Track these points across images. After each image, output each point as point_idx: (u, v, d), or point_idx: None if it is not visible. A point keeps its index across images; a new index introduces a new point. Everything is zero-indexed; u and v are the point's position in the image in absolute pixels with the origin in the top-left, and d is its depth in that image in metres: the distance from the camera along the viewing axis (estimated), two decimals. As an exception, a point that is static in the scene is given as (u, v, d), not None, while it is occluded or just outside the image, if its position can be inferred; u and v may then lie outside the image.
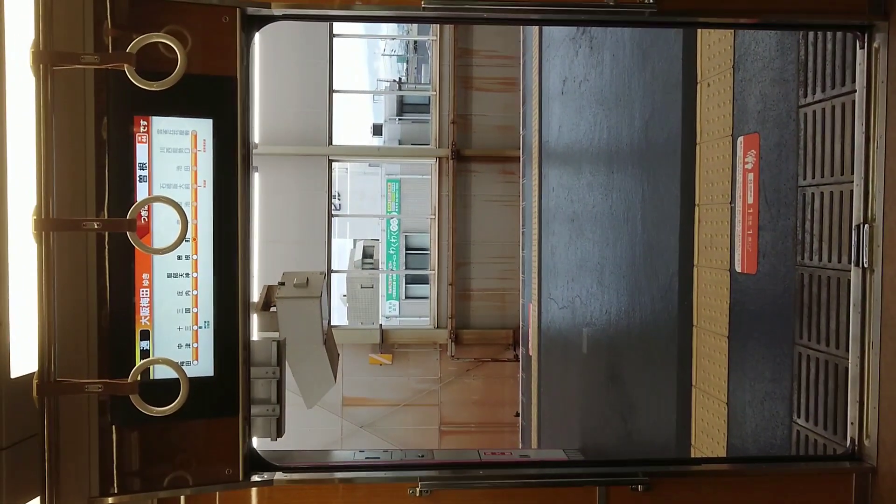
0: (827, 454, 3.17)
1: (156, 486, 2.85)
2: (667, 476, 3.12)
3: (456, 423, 13.84)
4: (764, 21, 3.09)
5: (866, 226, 3.13)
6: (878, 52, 3.09)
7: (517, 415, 13.06)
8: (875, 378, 3.11)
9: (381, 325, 14.35)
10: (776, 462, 3.16)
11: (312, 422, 12.22)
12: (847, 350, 3.26)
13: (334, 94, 13.46)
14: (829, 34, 3.56)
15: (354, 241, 25.10)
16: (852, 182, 3.23)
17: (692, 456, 5.05)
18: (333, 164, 13.79)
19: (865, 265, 3.13)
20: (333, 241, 14.13)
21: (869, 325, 3.13)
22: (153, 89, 2.47)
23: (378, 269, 23.62)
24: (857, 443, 3.16)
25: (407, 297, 23.46)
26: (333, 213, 13.91)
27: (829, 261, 3.61)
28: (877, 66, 3.10)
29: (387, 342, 13.65)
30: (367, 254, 24.85)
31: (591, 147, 7.84)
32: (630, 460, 3.15)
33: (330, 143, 13.41)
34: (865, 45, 3.11)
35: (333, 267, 14.27)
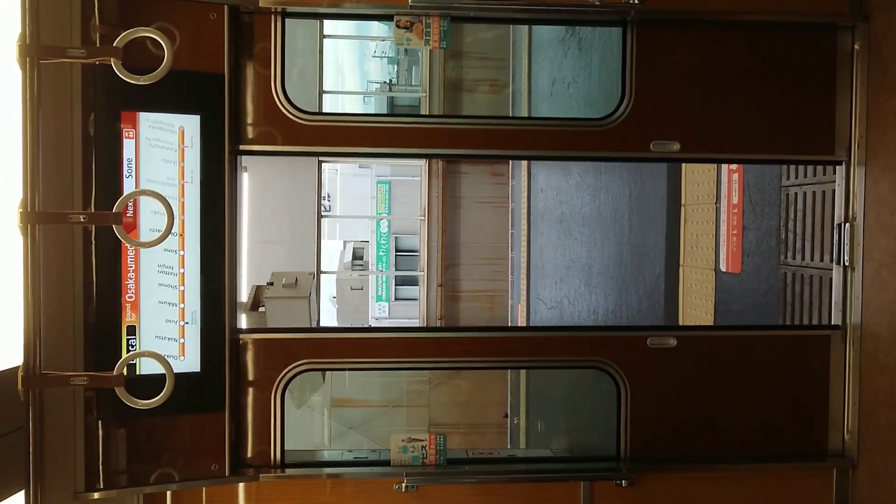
0: (808, 452, 3.21)
1: (142, 481, 2.85)
2: (650, 472, 3.15)
3: (445, 424, 13.84)
4: (747, 20, 3.13)
5: (847, 224, 3.17)
6: (859, 54, 3.14)
7: (506, 416, 13.07)
8: (856, 375, 3.15)
9: (370, 326, 14.33)
10: (758, 459, 3.19)
11: (301, 423, 12.20)
12: (829, 347, 3.30)
13: (324, 95, 13.45)
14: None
15: (344, 242, 25.03)
16: (834, 182, 3.27)
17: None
18: (323, 165, 13.78)
19: (846, 263, 3.17)
20: (323, 242, 14.11)
21: (850, 323, 3.17)
22: (140, 83, 2.48)
23: (368, 270, 23.59)
24: (838, 439, 3.20)
25: (397, 299, 23.41)
26: (323, 214, 13.90)
27: (812, 259, 3.66)
28: (858, 67, 3.15)
29: (376, 343, 13.63)
30: (357, 255, 24.78)
31: (579, 148, 7.88)
32: (614, 457, 3.17)
33: (320, 143, 13.39)
34: (847, 46, 3.16)
35: (323, 268, 14.26)
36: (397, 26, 3.07)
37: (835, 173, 3.21)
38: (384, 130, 3.08)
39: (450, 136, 3.09)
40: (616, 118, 3.10)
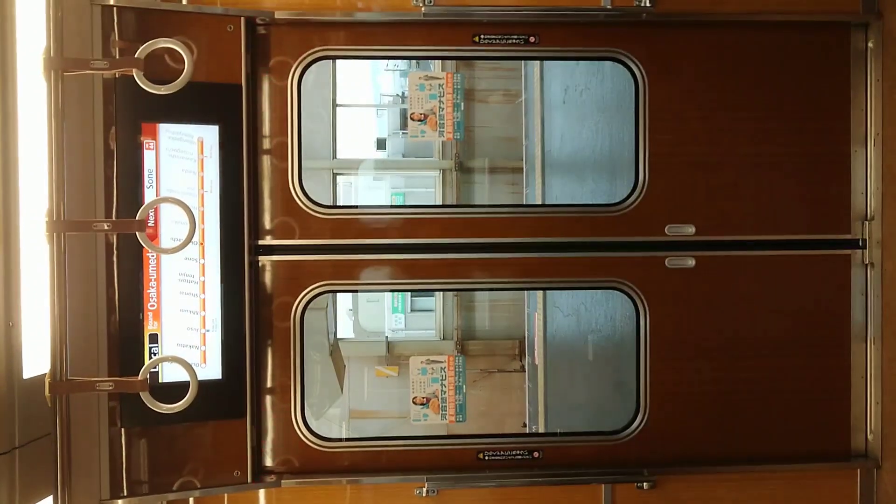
0: (831, 452, 3.18)
1: (165, 488, 2.88)
2: (672, 474, 3.14)
3: (463, 433, 13.79)
4: (759, 20, 3.15)
5: (866, 222, 3.16)
6: (873, 51, 3.14)
7: (524, 426, 13.02)
8: (878, 374, 3.12)
9: (386, 337, 14.36)
10: (781, 460, 3.17)
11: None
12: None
13: (338, 109, 13.57)
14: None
15: (360, 254, 25.00)
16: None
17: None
18: (338, 177, 13.86)
19: (866, 261, 3.16)
20: (339, 254, 14.14)
21: (871, 321, 3.15)
22: (161, 93, 2.53)
23: (383, 282, 23.52)
24: (861, 439, 3.17)
25: (413, 310, 23.41)
26: (338, 226, 13.95)
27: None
28: (872, 64, 3.15)
29: (393, 354, 13.66)
30: (373, 267, 24.76)
31: (593, 155, 7.89)
32: (635, 459, 3.16)
33: (334, 156, 13.49)
34: (861, 43, 3.16)
35: (339, 280, 14.28)
36: (411, 119, 3.18)
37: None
38: (401, 221, 3.17)
39: (466, 225, 3.16)
40: (630, 203, 3.18)
